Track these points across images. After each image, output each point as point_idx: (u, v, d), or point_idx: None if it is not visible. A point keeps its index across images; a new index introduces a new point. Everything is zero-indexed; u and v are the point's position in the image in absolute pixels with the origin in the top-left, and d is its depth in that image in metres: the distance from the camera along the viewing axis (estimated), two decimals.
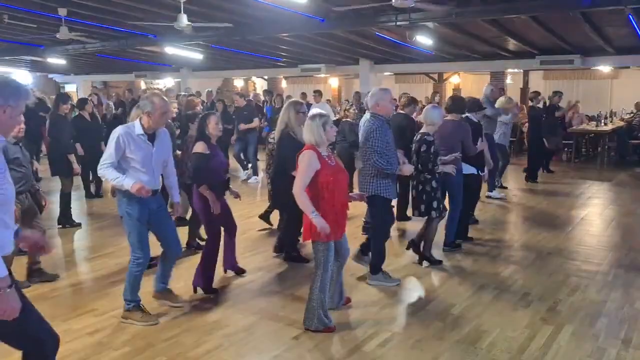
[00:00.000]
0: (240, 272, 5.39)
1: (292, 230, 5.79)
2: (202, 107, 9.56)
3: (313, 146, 3.94)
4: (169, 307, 4.55)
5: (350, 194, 4.34)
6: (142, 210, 4.17)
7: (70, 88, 24.12)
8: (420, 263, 5.70)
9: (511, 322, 4.30)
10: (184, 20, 8.60)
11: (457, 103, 6.30)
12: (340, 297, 4.53)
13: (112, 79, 22.51)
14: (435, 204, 5.44)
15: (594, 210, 8.35)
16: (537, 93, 10.42)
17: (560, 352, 3.81)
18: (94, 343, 3.95)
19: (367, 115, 6.90)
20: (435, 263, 5.68)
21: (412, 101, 7.19)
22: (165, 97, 4.35)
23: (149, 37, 11.83)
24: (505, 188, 9.75)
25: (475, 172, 6.27)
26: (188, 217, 6.34)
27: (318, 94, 12.60)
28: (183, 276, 5.07)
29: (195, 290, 4.89)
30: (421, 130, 5.57)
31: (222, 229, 5.04)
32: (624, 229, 7.19)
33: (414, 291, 5.06)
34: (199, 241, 6.08)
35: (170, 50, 12.81)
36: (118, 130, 4.12)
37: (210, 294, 4.86)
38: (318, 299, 4.02)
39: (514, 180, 10.67)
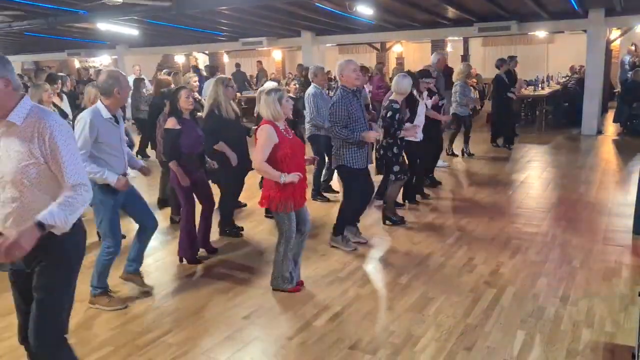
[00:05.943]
0: (212, 251, 5.36)
1: (227, 205, 5.90)
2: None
3: (270, 121, 4.08)
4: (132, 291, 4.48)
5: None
6: (117, 196, 4.08)
7: None
8: (384, 222, 6.06)
9: (456, 287, 4.42)
10: None
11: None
12: (296, 276, 4.50)
13: (43, 59, 21.42)
14: (396, 168, 5.74)
15: (533, 173, 8.64)
16: (503, 60, 10.50)
17: (503, 313, 3.94)
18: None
19: (310, 89, 6.90)
20: (397, 223, 6.02)
21: None
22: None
23: (79, 13, 11.23)
24: (456, 156, 9.95)
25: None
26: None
27: (208, 69, 11.96)
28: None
29: (181, 261, 5.11)
30: (390, 97, 5.81)
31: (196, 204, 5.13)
32: (562, 190, 7.47)
33: (361, 264, 5.10)
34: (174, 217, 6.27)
35: (104, 26, 12.23)
36: (85, 116, 3.88)
37: (194, 264, 5.07)
38: (281, 265, 4.31)
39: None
